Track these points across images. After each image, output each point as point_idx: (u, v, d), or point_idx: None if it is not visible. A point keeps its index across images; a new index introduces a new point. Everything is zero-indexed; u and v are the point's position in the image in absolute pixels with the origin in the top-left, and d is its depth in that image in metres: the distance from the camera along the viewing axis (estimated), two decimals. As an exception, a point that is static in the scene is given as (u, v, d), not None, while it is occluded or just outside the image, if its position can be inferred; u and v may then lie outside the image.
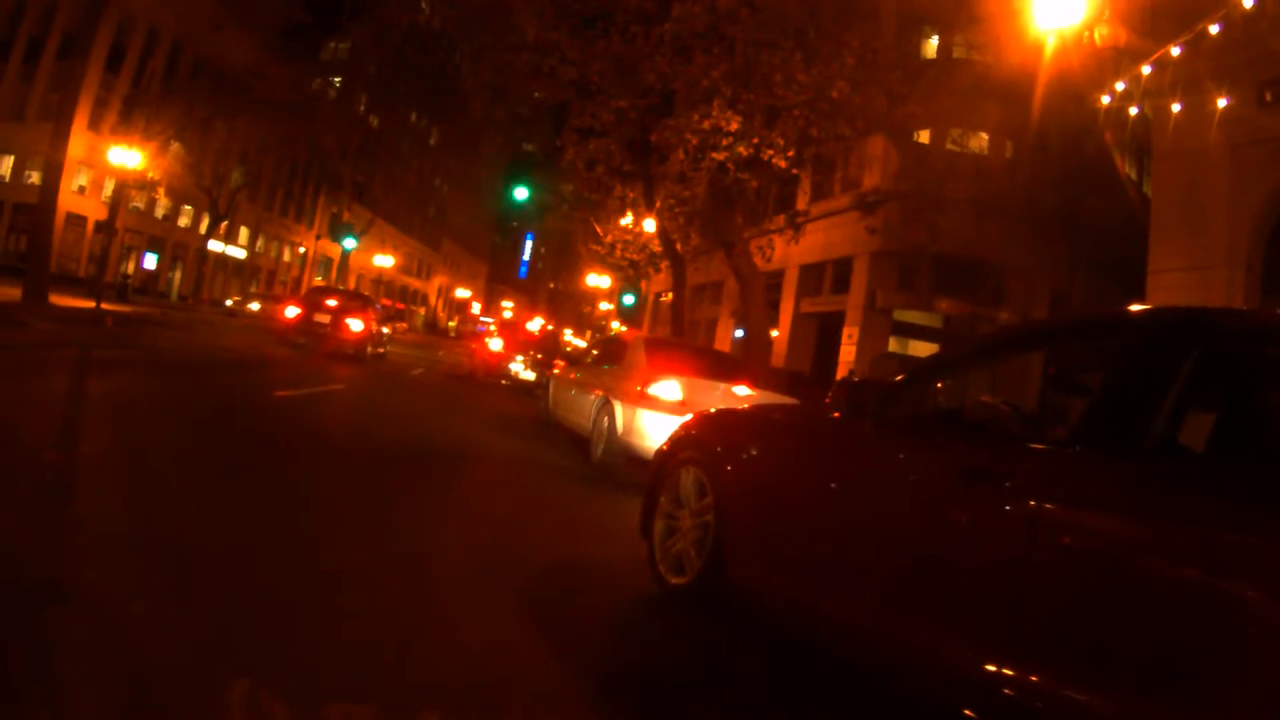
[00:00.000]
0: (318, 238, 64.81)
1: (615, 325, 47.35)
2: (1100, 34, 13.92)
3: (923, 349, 25.93)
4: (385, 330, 23.39)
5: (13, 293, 20.59)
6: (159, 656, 2.69)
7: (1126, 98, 13.61)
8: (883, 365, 20.22)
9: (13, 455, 5.14)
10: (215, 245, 48.00)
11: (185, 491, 5.00)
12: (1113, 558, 2.38)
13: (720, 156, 15.10)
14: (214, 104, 38.53)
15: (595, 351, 13.29)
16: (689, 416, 5.72)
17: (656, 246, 24.18)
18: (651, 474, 4.96)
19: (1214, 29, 11.85)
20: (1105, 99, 13.85)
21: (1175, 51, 12.32)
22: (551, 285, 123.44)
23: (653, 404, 8.74)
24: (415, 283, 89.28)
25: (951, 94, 19.86)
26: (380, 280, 74.70)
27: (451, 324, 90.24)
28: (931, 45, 24.43)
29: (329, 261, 68.10)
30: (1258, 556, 2.07)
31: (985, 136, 25.31)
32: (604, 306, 61.30)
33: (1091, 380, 3.28)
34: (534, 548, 5.35)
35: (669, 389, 8.82)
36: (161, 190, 39.90)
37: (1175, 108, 13.63)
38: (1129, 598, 2.28)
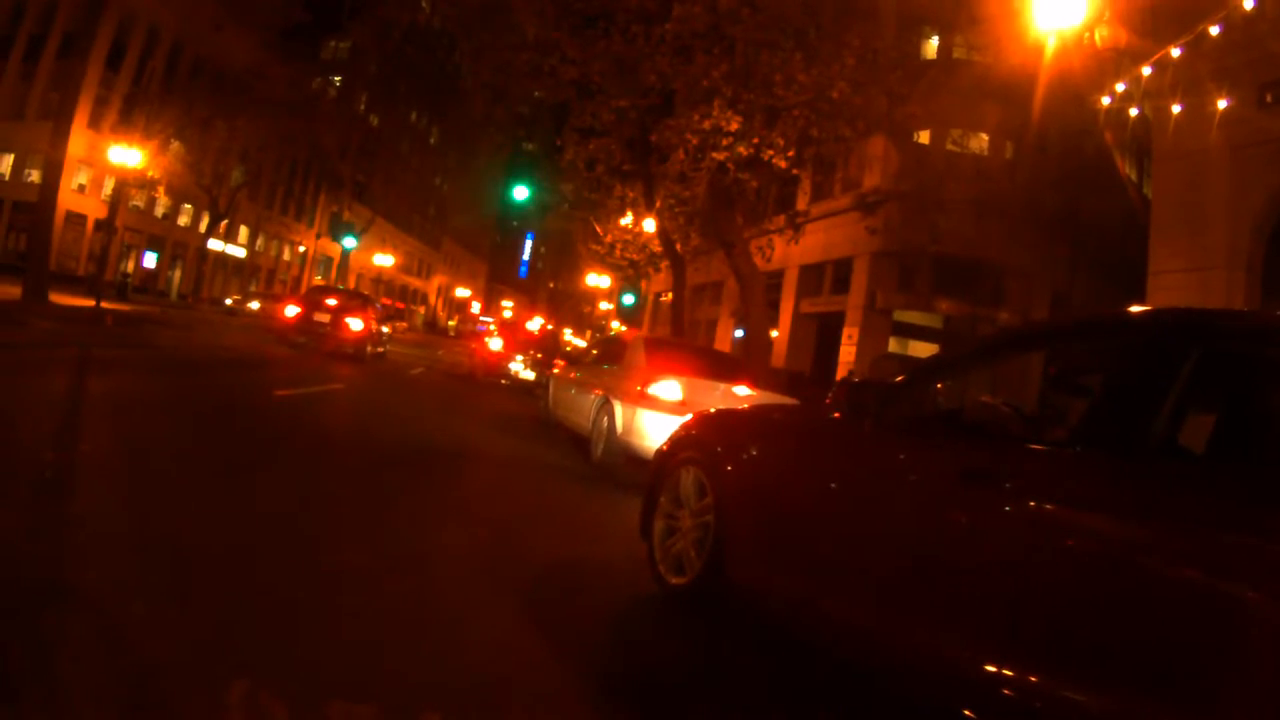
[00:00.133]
0: (318, 237, 64.79)
1: (615, 325, 47.36)
2: (1101, 35, 13.93)
3: (923, 349, 25.93)
4: (385, 329, 23.38)
5: (12, 291, 20.58)
6: (159, 656, 2.69)
7: (1127, 99, 13.62)
8: (883, 366, 20.21)
9: (13, 454, 5.14)
10: (215, 244, 47.96)
11: (185, 491, 5.00)
12: (1112, 558, 2.38)
13: (720, 156, 15.09)
14: (214, 103, 38.51)
15: (595, 351, 13.29)
16: (689, 416, 5.72)
17: (656, 246, 24.19)
18: (651, 474, 4.96)
19: (1214, 30, 11.86)
20: (1105, 100, 13.86)
21: (1176, 53, 12.33)
22: (551, 285, 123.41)
23: (653, 404, 8.74)
24: (415, 282, 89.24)
25: (952, 94, 19.86)
26: (380, 279, 74.66)
27: (451, 323, 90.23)
28: (932, 46, 24.44)
29: (329, 260, 68.04)
30: (1257, 557, 2.07)
31: (985, 137, 25.30)
32: (604, 306, 61.35)
33: (1092, 381, 3.28)
34: (534, 547, 5.35)
35: (669, 389, 8.82)
36: (161, 189, 39.89)
37: (1175, 109, 13.63)
38: (1129, 598, 2.29)
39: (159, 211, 46.99)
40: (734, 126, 14.48)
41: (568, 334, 50.48)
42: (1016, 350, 4.90)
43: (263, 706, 2.45)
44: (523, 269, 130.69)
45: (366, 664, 2.94)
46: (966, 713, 2.62)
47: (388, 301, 61.94)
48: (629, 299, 40.79)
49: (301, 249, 64.90)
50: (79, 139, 31.28)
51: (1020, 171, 23.90)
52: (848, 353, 24.93)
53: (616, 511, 6.94)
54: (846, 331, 25.33)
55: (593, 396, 10.15)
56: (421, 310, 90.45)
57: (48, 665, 2.46)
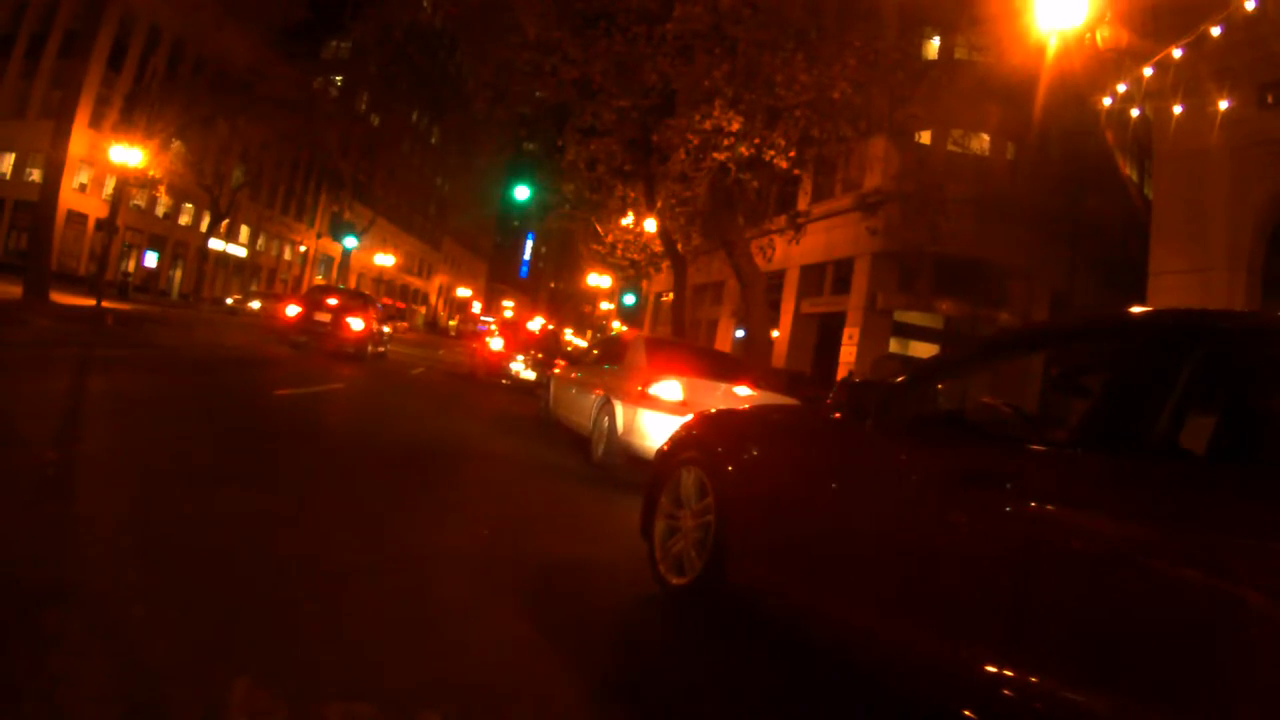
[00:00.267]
0: (318, 236, 64.81)
1: (616, 325, 47.36)
2: (1102, 35, 13.93)
3: (923, 350, 25.95)
4: (386, 329, 23.38)
5: (13, 290, 20.60)
6: (159, 656, 2.69)
7: (1128, 99, 13.61)
8: (884, 366, 20.22)
9: (13, 453, 5.14)
10: (216, 244, 48.00)
11: (185, 490, 5.00)
12: (1114, 559, 2.38)
13: (721, 157, 15.10)
14: (215, 102, 38.54)
15: (596, 351, 13.28)
16: (690, 417, 5.72)
17: (657, 246, 24.18)
18: (652, 474, 4.96)
19: (1215, 31, 11.85)
20: (1107, 100, 13.85)
21: (1177, 53, 12.32)
22: (552, 285, 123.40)
23: (653, 404, 8.74)
24: (416, 282, 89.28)
25: (953, 95, 19.83)
26: (381, 279, 74.70)
27: (452, 323, 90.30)
28: (933, 46, 24.42)
29: (330, 260, 68.11)
30: (1259, 558, 2.07)
31: (987, 138, 25.31)
32: (605, 306, 61.31)
33: (1093, 382, 3.28)
34: (534, 547, 5.35)
35: (670, 389, 8.82)
36: (162, 188, 39.91)
37: (1176, 109, 13.62)
38: (1130, 599, 2.28)
39: (160, 211, 47.03)
40: (735, 127, 14.49)
41: (568, 334, 50.51)
42: (1017, 351, 4.91)
43: (262, 706, 2.45)
44: (524, 269, 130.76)
45: (366, 664, 2.94)
46: (967, 713, 2.62)
47: (388, 301, 61.94)
48: (630, 299, 40.81)
49: (302, 249, 64.92)
50: (80, 138, 31.30)
51: (1021, 172, 23.91)
52: (848, 353, 24.94)
53: (617, 511, 6.94)
54: (847, 332, 25.33)
55: (593, 396, 10.15)
56: (422, 310, 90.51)
57: (48, 665, 2.46)
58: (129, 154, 30.46)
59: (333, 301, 19.61)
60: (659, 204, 18.74)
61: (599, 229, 26.78)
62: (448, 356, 33.21)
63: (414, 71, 59.04)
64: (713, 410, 5.45)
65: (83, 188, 39.83)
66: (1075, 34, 12.36)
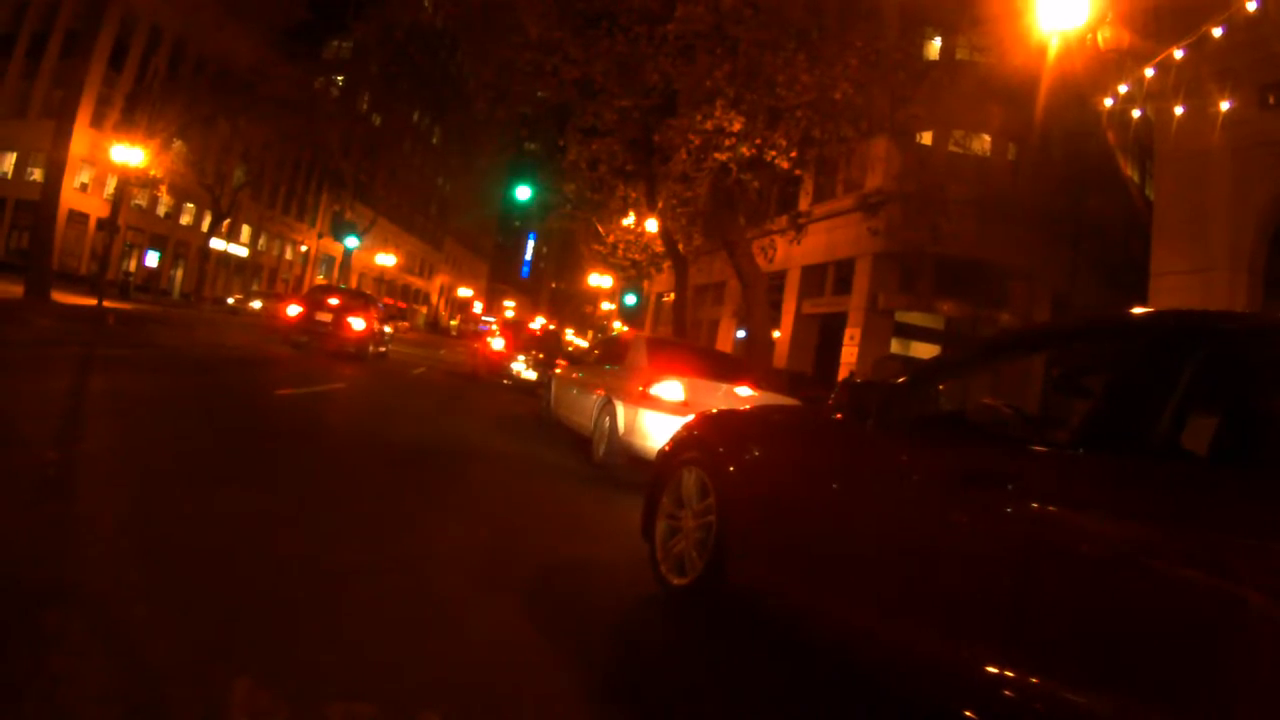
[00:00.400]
0: (320, 236, 64.86)
1: (617, 325, 47.36)
2: (1103, 36, 13.93)
3: (925, 351, 25.95)
4: (387, 329, 23.39)
5: (15, 290, 20.64)
6: (160, 656, 2.69)
7: (1129, 100, 13.61)
8: (885, 367, 20.22)
9: (14, 453, 5.14)
10: (217, 243, 48.06)
11: (186, 490, 5.00)
12: (1115, 560, 2.38)
13: (723, 157, 15.10)
14: (216, 102, 38.59)
15: (597, 351, 13.29)
16: (691, 417, 5.71)
17: (659, 247, 24.19)
18: (653, 474, 4.96)
19: (1217, 32, 11.85)
20: (1108, 101, 13.85)
21: (1178, 54, 12.32)
22: (553, 285, 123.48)
23: (655, 404, 8.74)
24: (417, 282, 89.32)
25: (955, 95, 19.83)
26: (382, 279, 74.75)
27: (453, 323, 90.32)
28: (935, 47, 24.41)
29: (331, 260, 68.16)
30: (1260, 558, 2.07)
31: (988, 138, 25.30)
32: (606, 306, 61.31)
33: (1094, 383, 3.28)
34: (535, 547, 5.35)
35: (671, 389, 8.82)
36: (164, 188, 39.94)
37: (1178, 110, 13.62)
38: (1131, 600, 2.28)
39: (161, 210, 47.06)
40: (736, 127, 14.49)
41: (570, 334, 50.51)
42: (1018, 352, 4.90)
43: (263, 706, 2.45)
44: (525, 269, 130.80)
45: (367, 663, 2.94)
46: (968, 714, 2.62)
47: (390, 301, 61.97)
48: (631, 299, 40.79)
49: (304, 248, 64.96)
50: (81, 138, 31.32)
51: (1023, 173, 23.91)
52: (850, 354, 24.93)
53: (618, 512, 6.94)
54: (848, 332, 25.32)
55: (595, 397, 10.15)
56: (423, 310, 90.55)
57: (49, 665, 2.46)
58: (130, 153, 30.50)
59: (334, 301, 19.60)
60: (660, 204, 18.75)
61: (600, 229, 26.79)
62: (449, 356, 33.22)
63: (415, 71, 59.09)
64: (714, 411, 5.45)
65: (84, 187, 39.87)
66: (1077, 34, 12.36)
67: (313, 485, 5.95)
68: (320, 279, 63.74)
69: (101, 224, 37.32)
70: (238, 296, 49.01)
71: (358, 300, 20.92)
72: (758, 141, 14.88)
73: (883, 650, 3.09)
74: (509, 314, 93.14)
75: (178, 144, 37.82)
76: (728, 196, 16.90)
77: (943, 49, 24.35)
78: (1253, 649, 2.01)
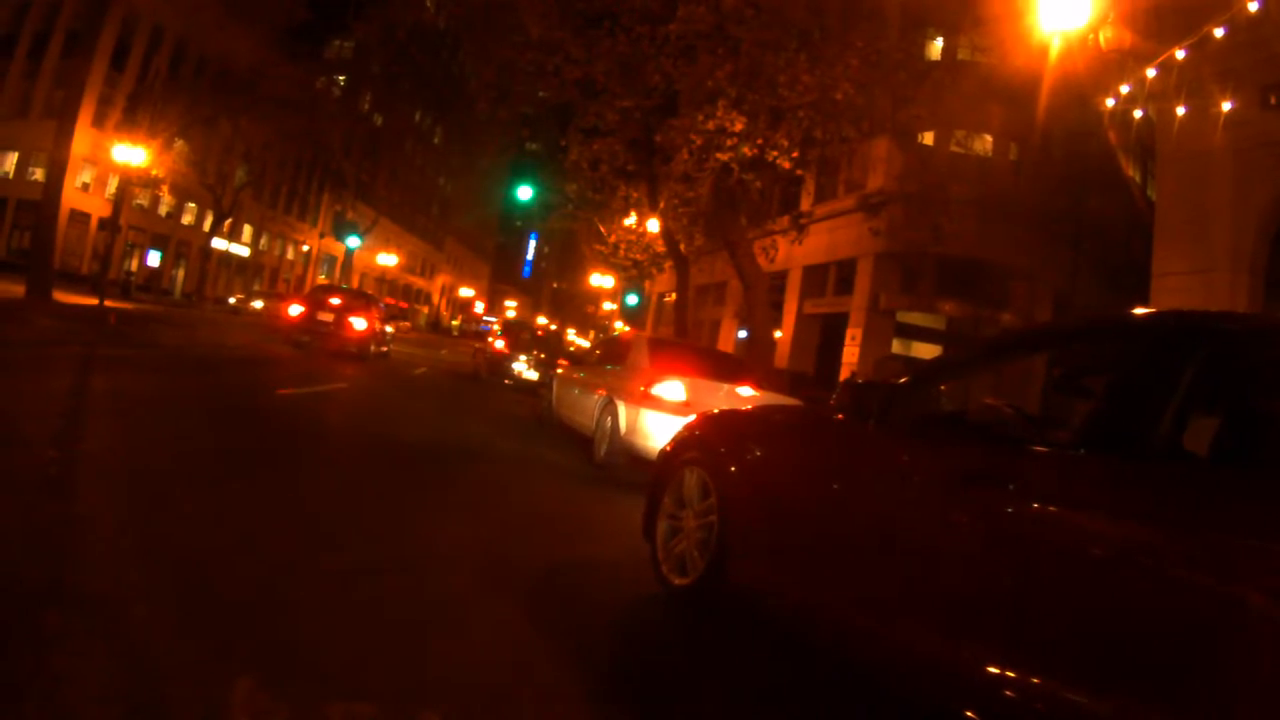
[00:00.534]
0: (321, 236, 64.90)
1: (619, 325, 47.36)
2: (1105, 36, 13.93)
3: (926, 351, 25.96)
4: (389, 329, 23.39)
5: (16, 289, 20.65)
6: (160, 655, 2.69)
7: (1131, 100, 13.61)
8: (886, 367, 20.23)
9: (15, 453, 5.15)
10: (219, 243, 48.08)
11: (187, 490, 5.00)
12: (1116, 561, 2.38)
13: (724, 157, 15.10)
14: (218, 101, 38.60)
15: (598, 351, 13.28)
16: (692, 417, 5.71)
17: (660, 247, 24.19)
18: (654, 474, 4.96)
19: (1219, 32, 11.85)
20: (1110, 101, 13.85)
21: (1180, 54, 12.32)
22: (555, 285, 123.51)
23: (656, 404, 8.74)
24: (419, 282, 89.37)
25: (956, 96, 19.83)
26: (384, 279, 74.76)
27: (455, 323, 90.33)
28: (936, 47, 24.42)
29: (332, 260, 68.20)
30: (1260, 560, 2.07)
31: (989, 138, 25.32)
32: (607, 306, 61.30)
33: (1095, 383, 3.28)
34: (537, 547, 5.35)
35: (672, 389, 8.81)
36: (165, 188, 39.93)
37: (1180, 110, 13.62)
38: (1132, 600, 2.28)
39: (163, 210, 47.10)
40: (738, 127, 14.49)
41: (571, 334, 50.50)
42: (1020, 352, 4.90)
43: (263, 706, 2.45)
44: (526, 269, 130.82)
45: (368, 663, 2.94)
46: (968, 714, 2.62)
47: (391, 301, 61.99)
48: (633, 299, 40.75)
49: (305, 248, 64.99)
50: (83, 137, 31.33)
51: (1024, 173, 23.92)
52: (851, 354, 24.95)
53: (619, 512, 6.94)
54: (850, 332, 25.33)
55: (596, 397, 10.14)
56: (425, 310, 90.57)
57: (49, 665, 2.46)
58: (132, 153, 30.52)
59: (335, 301, 19.61)
60: (662, 204, 18.75)
61: (602, 229, 26.80)
62: (450, 356, 33.22)
63: (417, 71, 59.04)
64: (715, 411, 5.45)
65: (86, 187, 39.90)
66: (1078, 35, 12.36)
67: (313, 485, 5.96)
68: (322, 279, 63.78)
69: (103, 224, 37.31)
70: (239, 296, 49.04)
71: (359, 300, 20.93)
72: (759, 142, 14.88)
73: (884, 650, 3.09)
74: (510, 314, 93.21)
75: (179, 144, 37.83)
76: (729, 197, 16.90)
77: (944, 49, 24.37)
78: (1253, 649, 2.00)
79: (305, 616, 3.29)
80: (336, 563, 4.08)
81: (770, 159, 15.30)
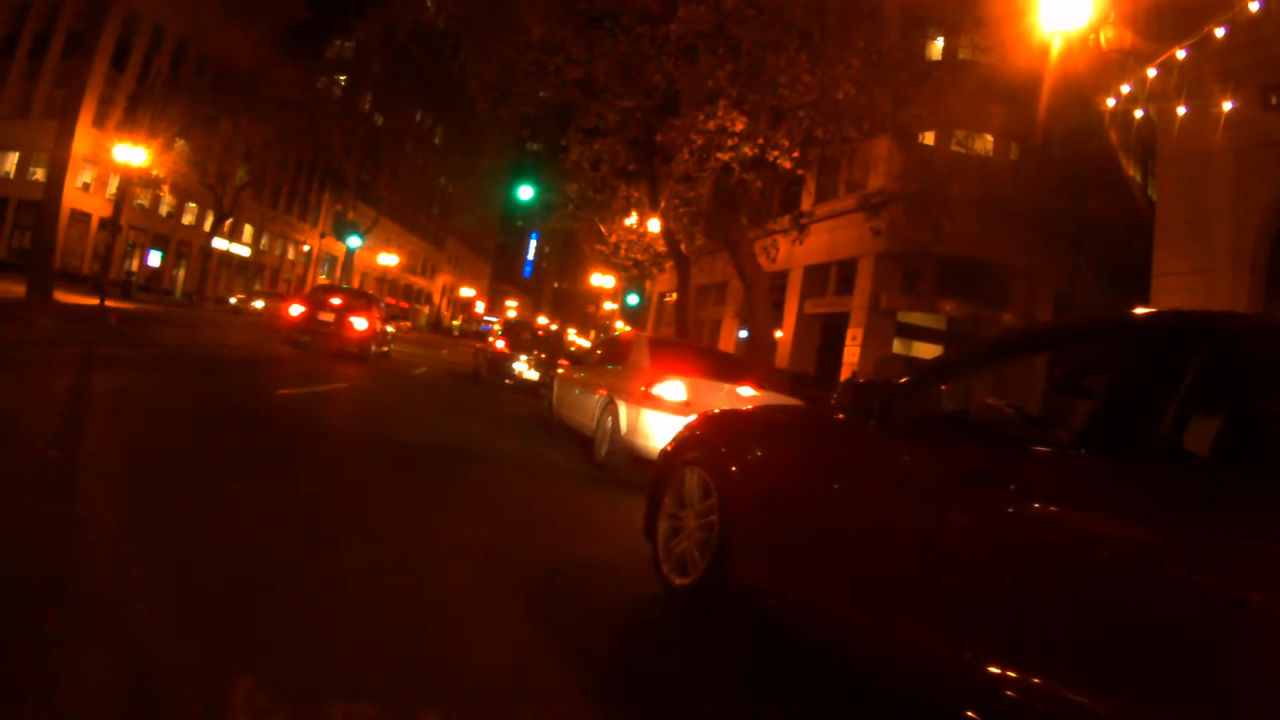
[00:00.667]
0: (322, 236, 64.90)
1: (619, 325, 47.38)
2: (1106, 36, 13.93)
3: (927, 351, 25.96)
4: (389, 329, 23.39)
5: (17, 289, 20.65)
6: (161, 655, 2.69)
7: (1131, 100, 13.60)
8: (887, 367, 20.21)
9: (16, 452, 5.15)
10: (219, 243, 48.07)
11: (187, 489, 5.01)
12: (1117, 561, 2.38)
13: (725, 157, 15.10)
14: (219, 101, 38.59)
15: (599, 351, 13.28)
16: (693, 417, 5.71)
17: (661, 247, 24.19)
18: (655, 474, 4.96)
19: (1219, 32, 11.84)
20: (1110, 101, 13.84)
21: (1181, 54, 12.31)
22: (556, 285, 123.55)
23: (657, 404, 8.74)
24: (419, 281, 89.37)
25: (957, 96, 19.85)
26: (384, 279, 74.76)
27: (456, 323, 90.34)
28: (937, 47, 24.44)
29: (333, 260, 68.21)
30: (1261, 560, 2.07)
31: (990, 138, 25.32)
32: (608, 306, 61.31)
33: (1096, 383, 3.28)
34: (537, 547, 5.35)
35: (673, 389, 8.81)
36: (166, 188, 39.89)
37: (1180, 110, 13.62)
38: (1133, 601, 2.28)
39: (163, 210, 47.10)
40: (739, 127, 14.49)
41: (572, 334, 50.51)
42: (1020, 352, 4.90)
43: (264, 706, 2.45)
44: (527, 269, 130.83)
45: (368, 663, 2.94)
46: (969, 714, 2.62)
47: (392, 301, 62.00)
48: (633, 299, 40.76)
49: (306, 248, 64.99)
50: (84, 137, 31.30)
51: (1025, 173, 23.92)
52: (852, 354, 24.96)
53: (620, 512, 6.94)
54: (851, 332, 25.34)
55: (597, 397, 10.15)
56: (426, 310, 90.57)
57: (50, 664, 2.46)
58: (132, 153, 30.50)
59: (336, 301, 19.60)
60: (662, 204, 18.75)
61: (602, 229, 26.80)
62: (450, 356, 33.22)
63: (417, 71, 59.10)
64: (716, 411, 5.45)
65: (86, 187, 39.90)
66: (1079, 35, 12.35)
67: (314, 485, 5.96)
68: (322, 279, 63.76)
69: (104, 224, 37.30)
70: (240, 296, 49.04)
71: (360, 300, 20.92)
72: (760, 141, 14.88)
73: (885, 650, 3.08)
74: (511, 314, 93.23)
75: (180, 144, 37.80)
76: (730, 196, 16.91)
77: (945, 49, 24.38)
78: (1254, 649, 2.00)
79: (305, 616, 3.29)
80: (337, 562, 4.08)
81: (771, 159, 15.30)
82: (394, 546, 4.63)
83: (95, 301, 23.18)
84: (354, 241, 55.34)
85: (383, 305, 23.52)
